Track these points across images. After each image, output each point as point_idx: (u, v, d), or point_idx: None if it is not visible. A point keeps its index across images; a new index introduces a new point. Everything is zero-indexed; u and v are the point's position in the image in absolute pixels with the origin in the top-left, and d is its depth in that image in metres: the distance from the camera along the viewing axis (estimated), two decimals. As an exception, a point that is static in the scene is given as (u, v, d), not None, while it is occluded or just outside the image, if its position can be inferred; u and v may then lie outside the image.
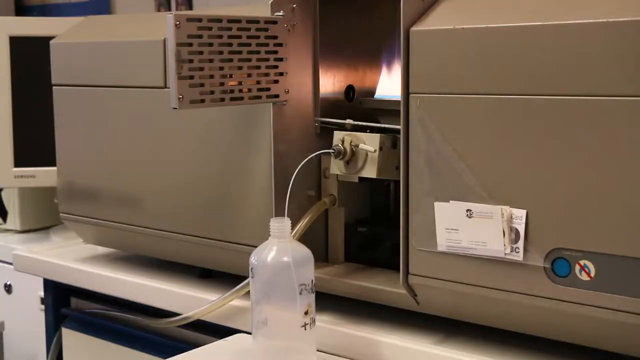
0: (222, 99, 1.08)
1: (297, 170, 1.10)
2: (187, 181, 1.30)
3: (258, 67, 1.12)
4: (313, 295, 1.03)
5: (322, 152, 1.17)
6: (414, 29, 1.02)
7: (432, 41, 1.00)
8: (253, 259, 1.04)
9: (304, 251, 1.04)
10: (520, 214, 0.94)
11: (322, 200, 1.21)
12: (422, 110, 1.01)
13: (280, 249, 1.03)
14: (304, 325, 1.02)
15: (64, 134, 1.49)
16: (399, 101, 1.03)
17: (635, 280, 0.88)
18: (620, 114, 0.87)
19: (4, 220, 2.03)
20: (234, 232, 1.25)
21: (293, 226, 1.15)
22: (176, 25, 1.01)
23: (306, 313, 1.02)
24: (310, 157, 1.13)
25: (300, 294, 1.01)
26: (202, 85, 1.05)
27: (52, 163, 1.51)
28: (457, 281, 1.01)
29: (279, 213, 1.12)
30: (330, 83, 1.24)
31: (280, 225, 1.03)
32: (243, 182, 1.22)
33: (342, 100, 1.25)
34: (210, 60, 1.06)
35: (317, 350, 1.09)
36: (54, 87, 1.50)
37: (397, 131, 1.06)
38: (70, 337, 1.53)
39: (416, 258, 1.04)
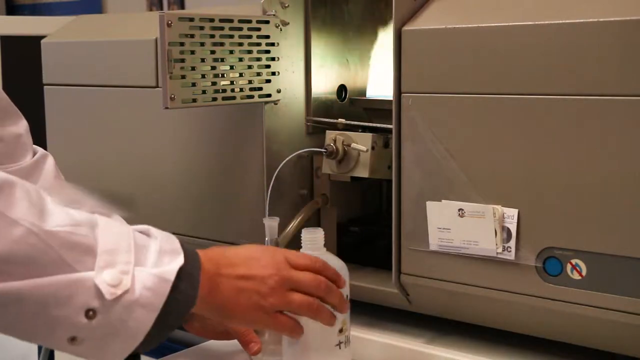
0: (214, 99, 1.08)
1: (280, 166, 1.11)
2: (179, 181, 1.29)
3: (250, 67, 1.12)
4: (348, 312, 0.97)
5: (314, 151, 1.17)
6: (405, 28, 1.02)
7: (424, 41, 1.00)
8: None
9: (338, 264, 0.98)
10: (512, 213, 0.95)
11: (314, 199, 1.21)
12: (413, 109, 1.01)
13: None
14: (339, 344, 0.95)
15: (55, 133, 1.48)
16: (391, 101, 1.03)
17: (627, 279, 0.88)
18: (612, 113, 0.87)
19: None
20: (226, 231, 1.25)
21: (285, 226, 1.16)
22: (168, 24, 1.01)
23: (341, 331, 0.95)
24: (300, 152, 1.13)
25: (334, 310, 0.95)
26: (194, 84, 1.05)
27: (44, 163, 1.51)
28: (449, 280, 1.01)
29: (272, 213, 1.11)
30: (322, 82, 1.24)
31: (313, 237, 0.98)
32: (235, 182, 1.22)
33: (334, 99, 1.26)
34: (202, 60, 1.06)
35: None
36: (45, 87, 1.49)
37: (389, 131, 1.06)
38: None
39: (408, 257, 1.04)
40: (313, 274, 0.92)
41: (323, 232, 0.98)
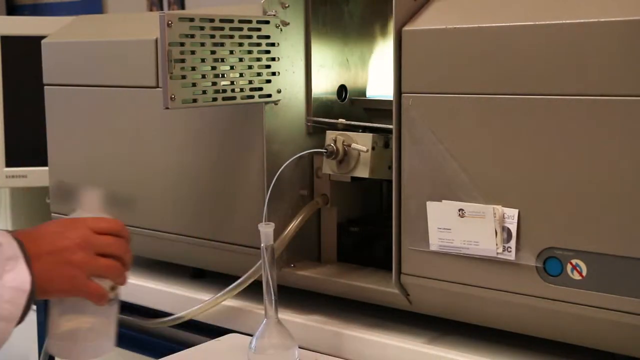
0: (215, 99, 1.08)
1: (280, 170, 1.11)
2: (180, 181, 1.29)
3: (250, 67, 1.12)
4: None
5: (314, 152, 1.17)
6: (406, 28, 1.02)
7: (424, 41, 1.00)
8: None
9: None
10: (512, 214, 0.95)
11: (315, 200, 1.21)
12: (414, 109, 1.01)
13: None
14: (109, 301, 0.96)
15: (55, 133, 1.49)
16: (391, 101, 1.03)
17: (627, 279, 0.88)
18: (612, 113, 0.87)
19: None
20: (226, 232, 1.25)
21: (285, 226, 1.16)
22: (168, 24, 1.01)
23: (112, 288, 0.96)
24: (301, 154, 1.14)
25: None
26: (194, 84, 1.05)
27: (44, 163, 1.51)
28: (449, 280, 1.01)
29: (271, 213, 1.12)
30: (323, 83, 1.24)
31: (90, 199, 0.99)
32: (236, 182, 1.22)
33: (334, 99, 1.26)
34: (203, 60, 1.06)
35: (310, 350, 1.09)
36: (45, 87, 1.49)
37: (390, 131, 1.06)
38: (62, 337, 1.53)
39: (408, 258, 1.04)
40: (113, 237, 0.96)
41: (100, 192, 1.00)
